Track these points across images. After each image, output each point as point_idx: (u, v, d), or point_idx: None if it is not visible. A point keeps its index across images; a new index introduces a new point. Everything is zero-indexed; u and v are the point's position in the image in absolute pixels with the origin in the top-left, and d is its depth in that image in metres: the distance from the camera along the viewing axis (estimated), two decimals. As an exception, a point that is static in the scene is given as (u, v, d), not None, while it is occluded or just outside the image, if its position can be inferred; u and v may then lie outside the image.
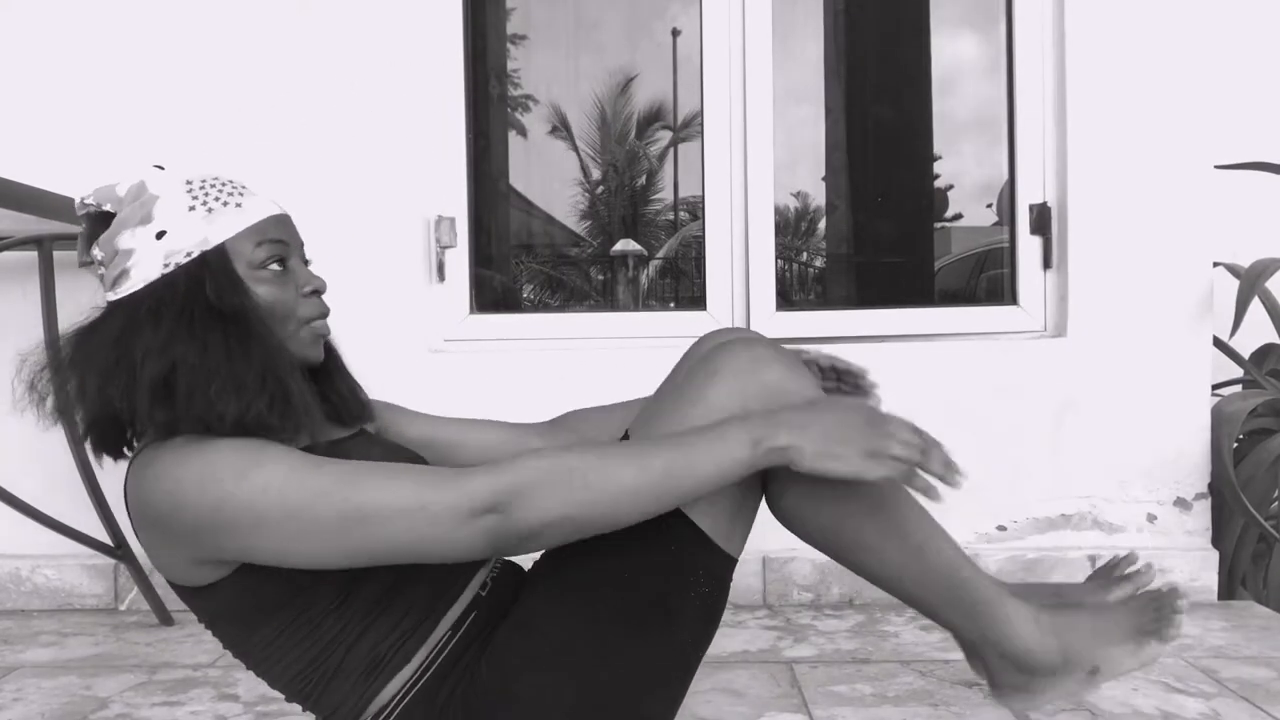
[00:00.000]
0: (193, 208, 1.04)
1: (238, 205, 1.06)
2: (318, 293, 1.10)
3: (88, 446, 1.05)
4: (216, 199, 1.05)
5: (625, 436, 1.16)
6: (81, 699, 1.70)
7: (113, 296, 1.03)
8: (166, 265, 1.01)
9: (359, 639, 1.03)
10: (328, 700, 1.05)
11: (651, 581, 1.03)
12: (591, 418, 1.32)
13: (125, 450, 1.06)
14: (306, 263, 1.13)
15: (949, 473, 0.96)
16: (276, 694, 1.09)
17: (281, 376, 1.01)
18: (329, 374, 1.16)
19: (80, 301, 1.08)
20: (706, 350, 1.10)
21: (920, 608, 1.11)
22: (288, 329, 1.06)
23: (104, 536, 2.10)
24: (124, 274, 1.02)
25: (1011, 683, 1.11)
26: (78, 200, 1.08)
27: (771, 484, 1.08)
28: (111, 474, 2.07)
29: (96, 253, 1.06)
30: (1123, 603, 1.11)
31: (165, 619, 2.17)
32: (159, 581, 2.19)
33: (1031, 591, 1.20)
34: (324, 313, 1.10)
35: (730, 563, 1.08)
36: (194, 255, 1.02)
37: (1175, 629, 1.07)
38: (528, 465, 0.95)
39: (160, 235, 1.02)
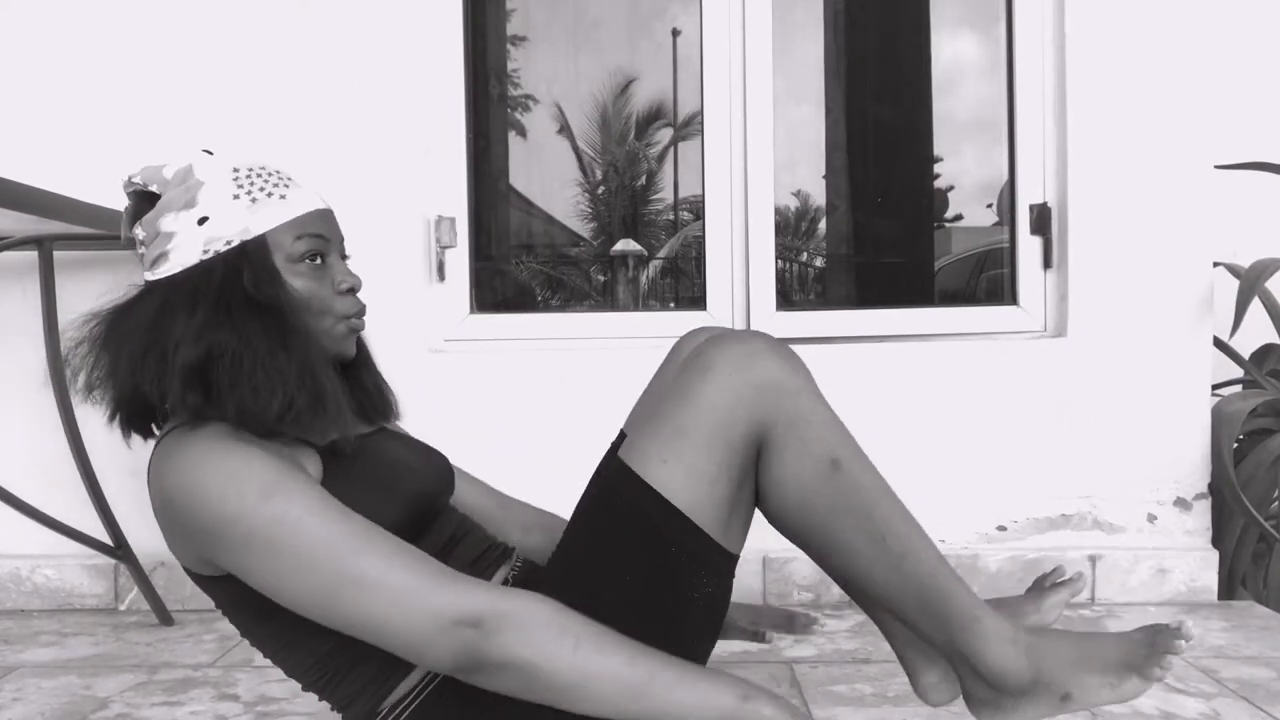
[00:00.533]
0: (237, 196, 1.05)
1: (282, 197, 1.06)
2: (353, 290, 1.10)
3: (116, 424, 1.05)
4: (261, 189, 1.06)
5: (622, 436, 1.16)
6: (81, 699, 1.70)
7: (150, 276, 1.04)
8: (206, 251, 1.02)
9: None
10: (343, 692, 1.05)
11: (657, 585, 1.03)
12: None
13: (154, 429, 1.07)
14: (345, 258, 1.13)
15: None
16: (276, 694, 1.09)
17: (316, 373, 1.01)
18: (358, 369, 1.17)
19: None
20: (699, 344, 1.07)
21: (898, 614, 1.10)
22: (323, 324, 1.07)
23: (104, 536, 2.10)
24: (163, 256, 1.03)
25: (981, 697, 1.08)
26: (125, 178, 1.09)
27: (761, 477, 1.07)
28: (111, 473, 2.08)
29: (139, 232, 1.07)
30: (1121, 633, 1.08)
31: (165, 619, 2.17)
32: (159, 581, 2.20)
33: (995, 607, 1.19)
34: (360, 310, 1.11)
35: (731, 560, 1.08)
36: (234, 244, 1.03)
37: (1163, 669, 1.01)
38: (530, 602, 0.94)
39: (202, 221, 1.03)
